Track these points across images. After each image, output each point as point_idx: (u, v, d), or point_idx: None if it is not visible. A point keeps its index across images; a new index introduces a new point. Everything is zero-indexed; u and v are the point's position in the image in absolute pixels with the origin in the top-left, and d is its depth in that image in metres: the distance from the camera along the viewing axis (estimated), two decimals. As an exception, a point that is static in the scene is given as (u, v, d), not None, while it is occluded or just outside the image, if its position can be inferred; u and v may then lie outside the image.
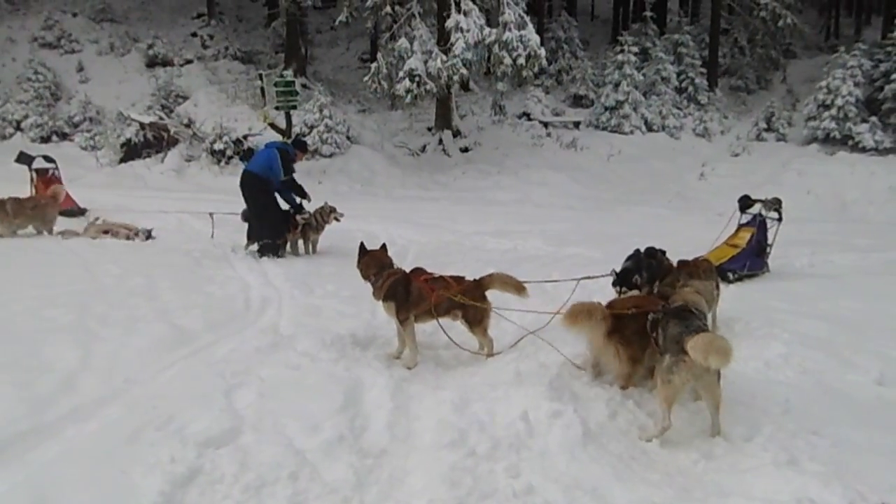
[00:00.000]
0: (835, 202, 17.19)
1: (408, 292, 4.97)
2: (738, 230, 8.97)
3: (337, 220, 9.50)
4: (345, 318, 5.90)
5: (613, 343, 4.17)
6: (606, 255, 9.59)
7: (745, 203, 9.13)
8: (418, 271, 5.23)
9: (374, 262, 5.15)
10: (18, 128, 22.14)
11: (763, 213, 8.94)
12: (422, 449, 3.50)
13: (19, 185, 12.89)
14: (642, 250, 6.08)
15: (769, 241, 8.85)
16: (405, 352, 5.01)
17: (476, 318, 5.01)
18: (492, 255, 9.86)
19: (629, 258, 6.10)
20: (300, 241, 9.42)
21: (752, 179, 17.96)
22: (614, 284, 5.87)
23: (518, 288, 5.10)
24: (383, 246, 5.36)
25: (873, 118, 19.78)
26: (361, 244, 5.26)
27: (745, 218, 9.08)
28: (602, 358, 4.31)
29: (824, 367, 4.88)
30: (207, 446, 3.36)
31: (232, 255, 8.89)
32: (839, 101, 19.92)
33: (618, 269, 5.97)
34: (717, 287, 6.03)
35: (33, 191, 12.59)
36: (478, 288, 5.07)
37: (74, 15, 27.62)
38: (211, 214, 10.19)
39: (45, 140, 21.62)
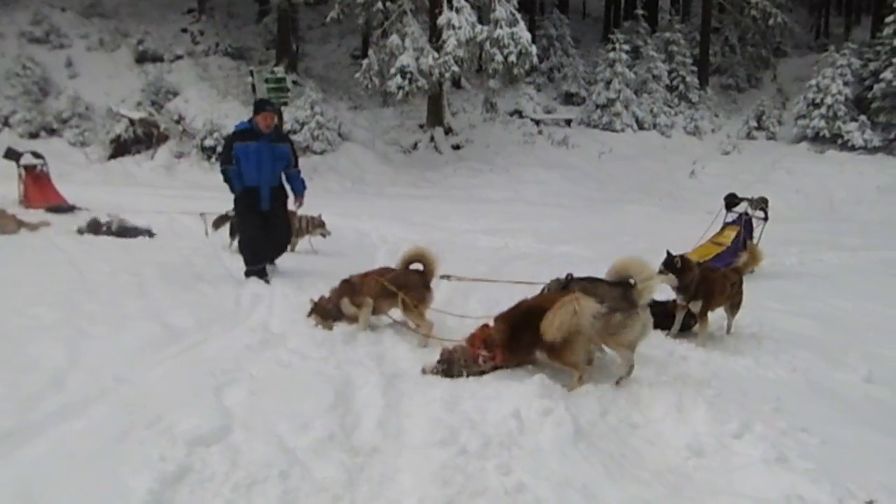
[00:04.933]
0: (824, 201, 17.31)
1: (352, 285, 5.55)
2: (723, 228, 9.01)
3: (323, 235, 9.46)
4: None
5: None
6: (597, 254, 9.64)
7: (731, 201, 9.18)
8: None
9: (321, 308, 5.56)
10: (6, 123, 21.97)
11: (749, 211, 8.99)
12: (413, 447, 3.49)
13: (7, 181, 12.81)
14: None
15: (754, 241, 8.89)
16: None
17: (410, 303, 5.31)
18: (483, 254, 9.87)
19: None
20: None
21: (743, 178, 18.06)
22: None
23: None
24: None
25: (862, 117, 19.94)
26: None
27: (731, 216, 9.13)
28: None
29: (814, 366, 4.92)
30: (197, 444, 3.33)
31: (222, 252, 8.85)
32: (829, 100, 20.07)
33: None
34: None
35: (22, 187, 12.52)
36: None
37: (63, 10, 27.40)
38: (202, 215, 10.12)
39: (34, 136, 21.46)
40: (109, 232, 9.70)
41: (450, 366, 4.44)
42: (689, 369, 4.63)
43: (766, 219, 9.03)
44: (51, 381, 4.06)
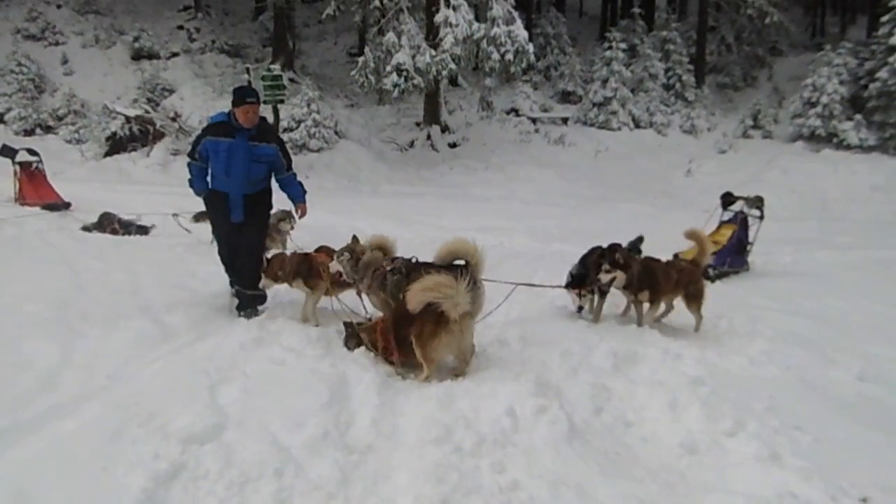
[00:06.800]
0: (818, 200, 17.32)
1: (310, 266, 5.77)
2: (719, 227, 9.02)
3: (291, 227, 8.98)
4: (330, 314, 5.89)
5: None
6: (592, 252, 9.63)
7: (728, 200, 9.20)
8: (323, 249, 6.09)
9: (276, 265, 5.80)
10: (1, 120, 21.88)
11: (745, 210, 9.01)
12: (407, 445, 3.49)
13: (2, 178, 12.76)
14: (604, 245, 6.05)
15: (750, 239, 8.91)
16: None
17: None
18: (478, 252, 9.83)
19: (583, 258, 6.17)
20: None
21: (738, 177, 18.04)
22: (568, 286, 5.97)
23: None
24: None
25: (858, 116, 19.94)
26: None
27: (727, 215, 9.14)
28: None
29: (807, 364, 4.93)
30: (191, 443, 3.33)
31: (215, 250, 8.81)
32: (824, 99, 20.08)
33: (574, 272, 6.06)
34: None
35: (17, 184, 12.47)
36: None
37: (59, 6, 27.28)
38: (174, 216, 10.16)
39: (29, 133, 21.38)
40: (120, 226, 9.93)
41: (348, 339, 4.83)
42: (684, 367, 4.63)
43: (762, 217, 9.05)
44: (44, 379, 4.06)
